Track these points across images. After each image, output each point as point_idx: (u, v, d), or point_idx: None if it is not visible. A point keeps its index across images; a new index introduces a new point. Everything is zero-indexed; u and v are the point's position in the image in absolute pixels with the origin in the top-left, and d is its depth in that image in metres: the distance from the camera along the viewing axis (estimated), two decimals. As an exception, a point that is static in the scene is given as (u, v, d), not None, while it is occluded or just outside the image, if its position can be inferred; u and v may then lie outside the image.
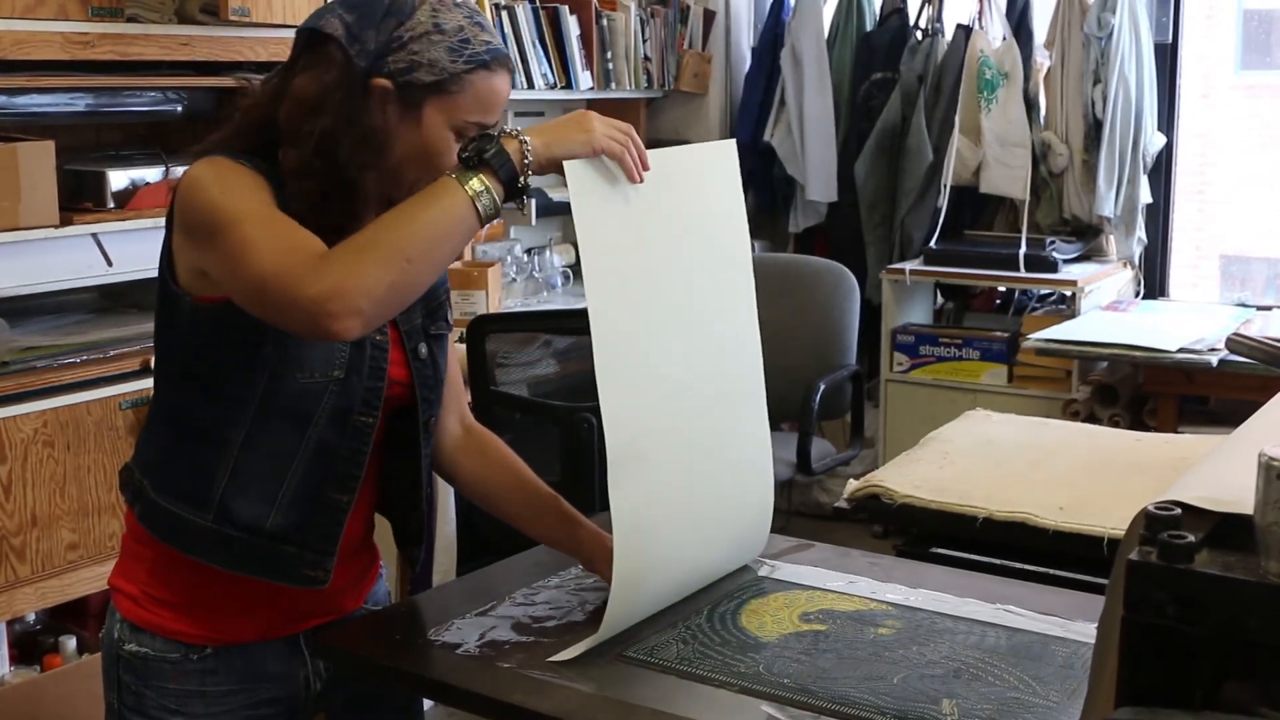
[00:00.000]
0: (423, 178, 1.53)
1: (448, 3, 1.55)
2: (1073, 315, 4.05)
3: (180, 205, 1.52)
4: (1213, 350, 3.59)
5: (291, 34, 3.03)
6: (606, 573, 1.62)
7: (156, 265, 2.99)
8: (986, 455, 2.29)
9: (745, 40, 5.09)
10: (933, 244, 4.34)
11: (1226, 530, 0.90)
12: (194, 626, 1.60)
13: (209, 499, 1.56)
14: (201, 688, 1.60)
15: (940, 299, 4.65)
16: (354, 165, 1.52)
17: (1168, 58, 4.34)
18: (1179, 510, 0.90)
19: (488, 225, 1.52)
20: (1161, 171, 4.39)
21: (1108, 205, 4.23)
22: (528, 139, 1.50)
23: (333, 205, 1.52)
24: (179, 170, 2.88)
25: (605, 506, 1.91)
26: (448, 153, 1.54)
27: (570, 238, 4.92)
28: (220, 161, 1.52)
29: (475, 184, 1.47)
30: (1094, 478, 2.14)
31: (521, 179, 1.50)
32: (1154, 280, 4.47)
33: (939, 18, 4.52)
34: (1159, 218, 4.43)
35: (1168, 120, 4.36)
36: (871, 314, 4.35)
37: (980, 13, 4.43)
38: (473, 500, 1.84)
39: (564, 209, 4.73)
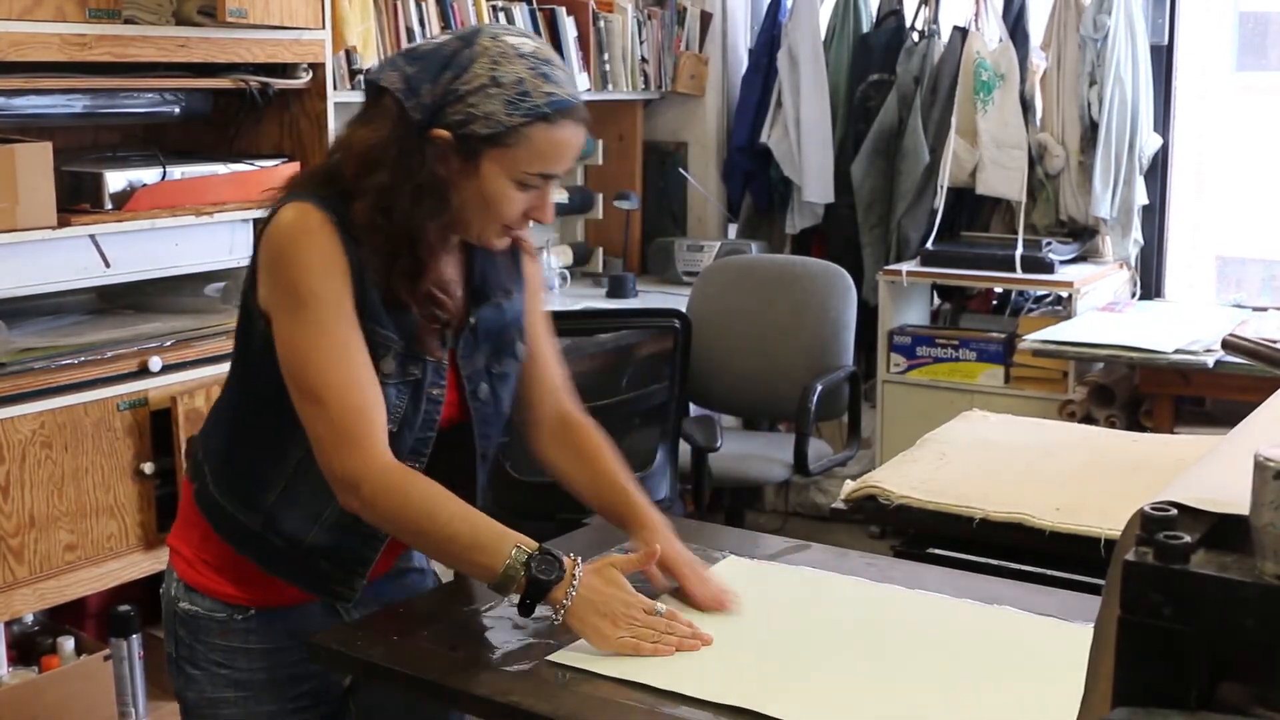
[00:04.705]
0: (488, 225, 1.62)
1: (510, 54, 1.56)
2: (1069, 316, 4.06)
3: (267, 251, 1.60)
4: (1209, 351, 3.59)
5: (289, 35, 3.08)
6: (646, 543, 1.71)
7: (155, 266, 3.01)
8: (983, 456, 2.29)
9: (742, 42, 5.09)
10: (929, 245, 4.34)
11: (1223, 531, 0.90)
12: (238, 590, 1.71)
13: (260, 505, 1.67)
14: (245, 645, 1.71)
15: (937, 300, 4.65)
16: (415, 216, 1.57)
17: (1164, 59, 4.35)
18: (1175, 511, 0.90)
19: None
20: (1157, 173, 4.39)
21: (1104, 206, 4.23)
22: (569, 600, 1.55)
23: (401, 260, 1.58)
24: (176, 172, 2.88)
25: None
26: (507, 203, 1.59)
27: (567, 239, 4.93)
28: (310, 220, 1.57)
29: (511, 573, 1.55)
30: (1090, 478, 2.14)
31: (537, 608, 1.57)
32: (1150, 281, 4.48)
33: (935, 19, 4.52)
34: (1155, 219, 4.43)
35: (1164, 122, 4.37)
36: (868, 315, 4.35)
37: (976, 14, 4.42)
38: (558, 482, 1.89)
39: (561, 210, 4.74)
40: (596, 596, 1.57)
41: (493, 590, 1.59)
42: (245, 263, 3.03)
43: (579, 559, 1.60)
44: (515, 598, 1.59)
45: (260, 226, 1.62)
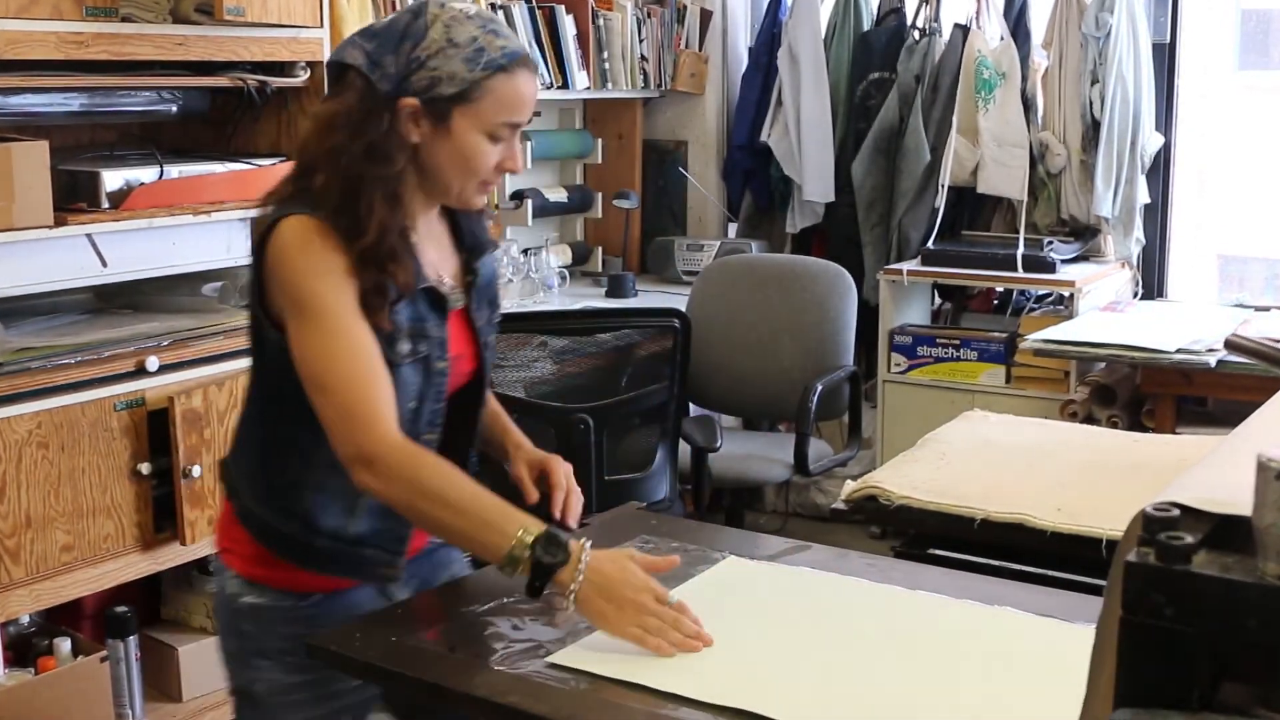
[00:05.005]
0: (467, 183, 1.72)
1: (459, 17, 1.68)
2: (1070, 316, 4.04)
3: (271, 266, 1.67)
4: (1211, 351, 3.57)
5: (287, 33, 3.06)
6: (518, 475, 1.92)
7: (152, 265, 3.01)
8: (984, 456, 2.28)
9: (742, 40, 5.08)
10: (930, 244, 4.33)
11: (1225, 532, 0.90)
12: (300, 578, 1.78)
13: (296, 510, 1.75)
14: (310, 630, 1.73)
15: (938, 299, 4.64)
16: (364, 173, 1.65)
17: (1166, 57, 4.33)
18: (1177, 511, 0.89)
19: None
20: (1159, 171, 4.38)
21: (1105, 205, 4.22)
22: (576, 585, 1.57)
23: (343, 219, 1.65)
24: (173, 171, 2.87)
25: (603, 508, 1.92)
26: (482, 156, 1.70)
27: (567, 238, 4.92)
28: (307, 231, 1.65)
29: (517, 554, 1.57)
30: (1092, 479, 2.13)
31: (545, 591, 1.59)
32: (1152, 280, 4.46)
33: (936, 17, 4.51)
34: (1157, 218, 4.42)
35: (1166, 120, 4.35)
36: (869, 315, 4.34)
37: (977, 12, 4.41)
38: None
39: (560, 209, 4.73)
40: (604, 581, 1.57)
41: (500, 571, 1.60)
42: (243, 262, 3.04)
43: (588, 543, 1.61)
44: (520, 588, 1.60)
45: (256, 240, 1.70)
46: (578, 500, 1.89)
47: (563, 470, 1.91)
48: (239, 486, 1.81)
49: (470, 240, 1.86)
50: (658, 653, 1.54)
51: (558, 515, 1.85)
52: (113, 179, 2.76)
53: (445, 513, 1.61)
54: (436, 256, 1.79)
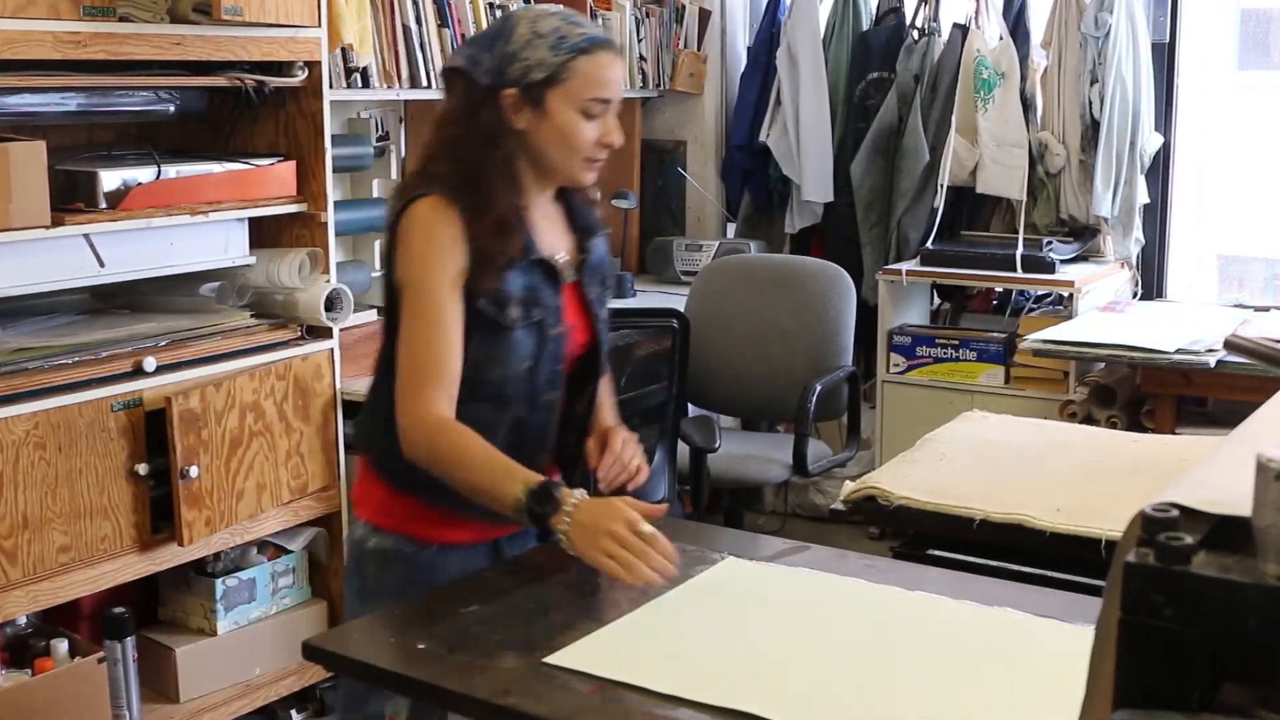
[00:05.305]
0: (571, 160, 1.93)
1: (543, 14, 1.91)
2: (1070, 316, 4.04)
3: (400, 236, 1.88)
4: (1210, 351, 3.57)
5: (285, 33, 3.06)
6: (588, 446, 2.03)
7: (150, 265, 3.01)
8: (983, 456, 2.28)
9: (741, 40, 5.08)
10: (929, 244, 4.33)
11: (1224, 532, 0.89)
12: (423, 530, 1.96)
13: None
14: (426, 577, 1.93)
15: (937, 300, 4.63)
16: (482, 163, 1.87)
17: (1165, 57, 4.33)
18: (1176, 512, 0.89)
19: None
20: (1159, 171, 4.38)
21: (1105, 205, 4.22)
22: (568, 526, 1.73)
23: (471, 199, 1.85)
24: (171, 170, 2.87)
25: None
26: (580, 132, 1.91)
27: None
28: (433, 212, 1.85)
29: (520, 506, 1.76)
30: (1091, 479, 2.13)
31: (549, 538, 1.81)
32: (1151, 281, 4.46)
33: (935, 17, 4.51)
34: (1156, 218, 4.41)
35: (1165, 120, 4.35)
36: (868, 315, 4.33)
37: (977, 12, 4.41)
38: None
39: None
40: (587, 517, 1.73)
41: (517, 522, 1.80)
42: (240, 262, 3.05)
43: (580, 491, 1.77)
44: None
45: (391, 217, 1.91)
46: (620, 469, 2.00)
47: (617, 438, 2.03)
48: (374, 438, 1.99)
49: (581, 223, 2.06)
50: (622, 580, 1.69)
51: (600, 479, 1.98)
52: (110, 179, 2.75)
53: (463, 473, 1.81)
54: (552, 237, 1.99)
